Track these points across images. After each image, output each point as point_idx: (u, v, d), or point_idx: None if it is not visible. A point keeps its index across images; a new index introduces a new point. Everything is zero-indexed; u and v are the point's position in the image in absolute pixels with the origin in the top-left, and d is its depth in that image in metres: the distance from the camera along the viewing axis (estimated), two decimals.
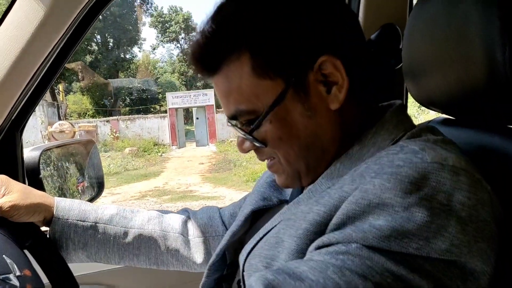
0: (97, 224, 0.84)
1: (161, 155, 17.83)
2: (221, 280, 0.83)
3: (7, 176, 0.79)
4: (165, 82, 34.36)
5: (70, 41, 0.95)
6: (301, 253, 0.52)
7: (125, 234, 0.86)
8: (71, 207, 0.83)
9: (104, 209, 0.87)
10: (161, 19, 34.84)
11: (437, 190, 0.46)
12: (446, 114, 0.76)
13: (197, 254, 0.89)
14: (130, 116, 22.54)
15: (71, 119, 22.24)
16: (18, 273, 0.64)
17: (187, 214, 0.95)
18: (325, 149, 0.62)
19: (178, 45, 36.02)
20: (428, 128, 0.61)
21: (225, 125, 20.43)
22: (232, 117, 0.63)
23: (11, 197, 0.74)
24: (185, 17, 34.52)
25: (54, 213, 0.81)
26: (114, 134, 19.37)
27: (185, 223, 0.92)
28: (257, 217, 0.78)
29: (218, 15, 0.60)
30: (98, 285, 1.15)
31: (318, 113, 0.60)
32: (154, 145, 19.26)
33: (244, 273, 0.61)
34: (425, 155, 0.50)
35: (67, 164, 1.38)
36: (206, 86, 31.13)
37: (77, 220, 0.82)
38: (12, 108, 0.91)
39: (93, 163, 1.27)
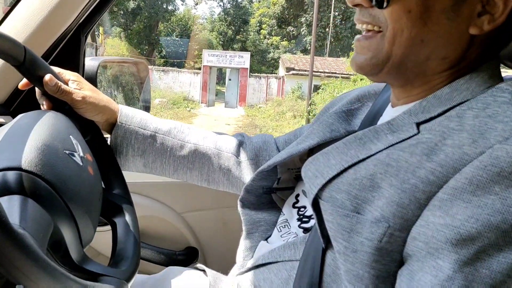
0: (156, 134, 0.87)
1: (190, 111, 17.99)
2: (270, 190, 0.86)
3: (79, 75, 0.82)
4: (203, 40, 34.21)
5: None
6: (400, 206, 0.50)
7: (182, 147, 0.88)
8: (133, 115, 0.86)
9: (163, 121, 0.90)
10: None
11: None
12: None
13: (248, 176, 0.90)
14: (165, 67, 22.67)
15: None
16: (81, 155, 0.67)
17: (242, 138, 0.96)
18: (429, 61, 0.59)
19: (221, 3, 35.56)
20: None
21: (256, 90, 20.41)
22: None
23: (83, 91, 0.78)
24: None
25: (118, 118, 0.84)
26: None
27: (239, 145, 0.93)
28: (322, 146, 0.75)
29: None
30: (139, 195, 1.20)
31: (456, 23, 0.56)
32: (183, 99, 19.41)
33: (324, 203, 0.59)
34: None
35: (116, 92, 1.42)
36: (243, 49, 30.87)
37: (139, 128, 0.85)
38: (81, 11, 0.94)
39: (143, 86, 1.30)
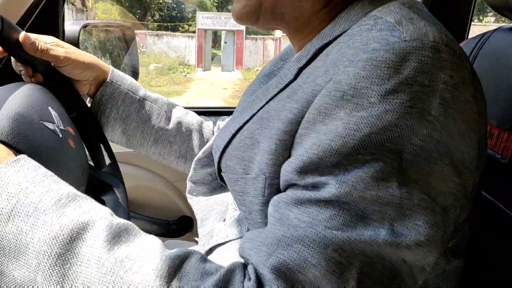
0: (145, 100, 0.83)
1: (186, 75, 17.76)
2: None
3: (56, 38, 0.77)
4: (196, 2, 33.29)
5: None
6: (270, 154, 0.49)
7: (167, 118, 0.86)
8: (124, 76, 0.83)
9: (149, 91, 0.88)
10: None
11: (418, 71, 0.42)
12: None
13: None
14: (158, 32, 22.19)
15: None
16: (61, 127, 0.64)
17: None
18: (302, 2, 0.56)
19: None
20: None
21: (252, 52, 20.08)
22: None
23: (66, 50, 0.74)
24: None
25: (109, 76, 0.80)
26: (140, 48, 19.22)
27: (216, 125, 0.93)
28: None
29: None
30: (128, 165, 1.18)
31: None
32: (179, 64, 19.11)
33: (223, 174, 0.58)
34: (403, 33, 0.44)
35: (102, 58, 1.36)
36: None
37: (128, 90, 0.82)
38: None
39: (130, 50, 1.25)
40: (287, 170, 0.47)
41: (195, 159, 0.80)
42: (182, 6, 30.05)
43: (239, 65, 19.93)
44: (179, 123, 0.87)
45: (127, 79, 0.83)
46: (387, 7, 0.50)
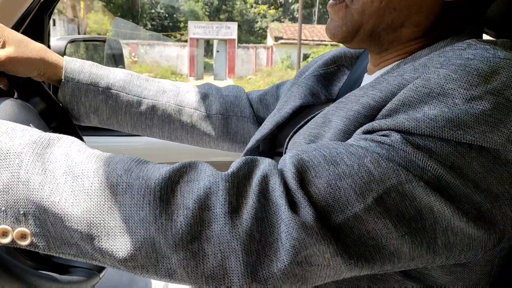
0: (109, 90, 0.80)
1: None
2: None
3: (1, 24, 0.71)
4: (188, 11, 33.44)
5: None
6: (347, 133, 0.51)
7: (138, 103, 0.82)
8: (81, 69, 0.79)
9: (117, 73, 0.83)
10: None
11: (507, 85, 0.44)
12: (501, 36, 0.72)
13: (215, 131, 0.87)
14: (150, 41, 22.22)
15: None
16: None
17: (209, 89, 0.90)
18: (403, 28, 0.58)
19: None
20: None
21: (244, 61, 20.16)
22: None
23: (6, 50, 0.69)
24: None
25: (63, 75, 0.77)
26: (132, 57, 19.21)
27: (204, 98, 0.88)
28: (298, 111, 0.74)
29: None
30: None
31: None
32: (171, 73, 19.13)
33: (287, 150, 0.60)
34: (497, 52, 0.47)
35: None
36: (229, 19, 30.27)
37: (88, 84, 0.79)
38: None
39: (115, 59, 1.25)
40: (356, 133, 0.50)
41: (246, 149, 0.77)
42: (174, 15, 30.16)
43: (231, 73, 19.98)
44: (153, 107, 0.83)
45: (85, 71, 0.79)
46: (482, 41, 0.53)
